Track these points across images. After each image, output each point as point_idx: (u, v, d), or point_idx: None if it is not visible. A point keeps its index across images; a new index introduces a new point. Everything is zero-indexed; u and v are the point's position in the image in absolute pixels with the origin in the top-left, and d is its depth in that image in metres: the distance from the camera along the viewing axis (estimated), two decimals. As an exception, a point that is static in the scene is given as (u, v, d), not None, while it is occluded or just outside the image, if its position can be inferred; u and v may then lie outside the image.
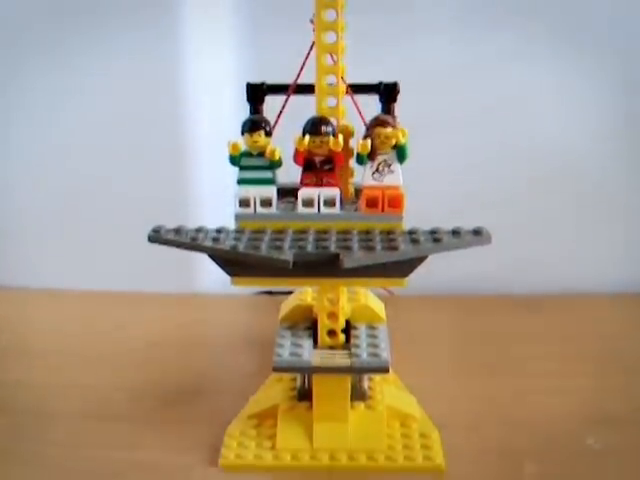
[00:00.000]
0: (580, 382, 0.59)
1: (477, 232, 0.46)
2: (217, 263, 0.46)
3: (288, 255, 0.44)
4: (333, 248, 0.45)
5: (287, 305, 0.56)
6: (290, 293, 0.59)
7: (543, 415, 0.55)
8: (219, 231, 0.47)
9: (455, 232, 0.46)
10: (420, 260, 0.45)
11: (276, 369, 0.49)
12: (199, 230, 0.47)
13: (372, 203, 0.47)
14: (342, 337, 0.51)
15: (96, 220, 0.79)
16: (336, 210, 0.47)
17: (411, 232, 0.47)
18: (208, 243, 0.46)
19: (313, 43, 0.48)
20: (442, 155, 0.72)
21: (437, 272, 0.66)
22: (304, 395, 0.53)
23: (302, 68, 0.50)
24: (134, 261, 0.75)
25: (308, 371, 0.50)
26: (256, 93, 0.52)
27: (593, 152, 0.75)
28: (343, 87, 0.49)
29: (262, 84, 0.51)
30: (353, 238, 0.46)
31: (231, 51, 0.74)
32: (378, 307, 0.55)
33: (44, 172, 0.79)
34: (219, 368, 0.64)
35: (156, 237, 0.47)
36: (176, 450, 0.51)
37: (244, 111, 0.52)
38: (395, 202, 0.47)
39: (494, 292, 0.77)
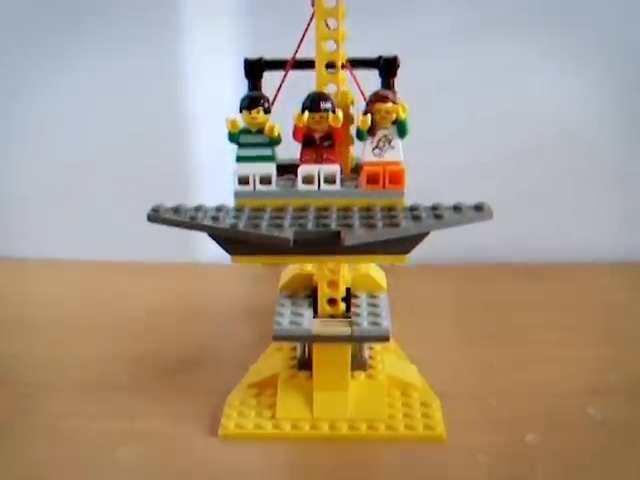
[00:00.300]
0: (581, 351, 0.60)
1: (478, 208, 0.46)
2: (217, 242, 0.46)
3: (288, 233, 0.44)
4: (334, 226, 0.44)
5: (287, 273, 0.56)
6: None
7: (544, 384, 0.55)
8: (219, 209, 0.47)
9: (456, 208, 0.46)
10: (422, 236, 0.45)
11: (276, 338, 0.49)
12: (198, 209, 0.47)
13: (373, 179, 0.46)
14: (342, 306, 0.51)
15: (96, 190, 0.79)
16: (336, 187, 0.47)
17: (412, 208, 0.46)
18: (208, 222, 0.45)
19: (312, 15, 0.48)
20: (440, 126, 0.72)
21: (437, 241, 0.66)
22: (304, 364, 0.53)
23: (301, 42, 0.49)
24: (134, 231, 0.74)
25: (308, 340, 0.50)
26: (254, 69, 0.51)
27: (591, 122, 0.75)
28: (343, 53, 0.48)
29: (260, 59, 0.51)
30: (354, 215, 0.45)
31: (229, 24, 0.74)
32: (379, 276, 0.55)
33: (44, 144, 0.79)
34: (219, 338, 0.65)
35: (155, 216, 0.47)
36: (176, 420, 0.51)
37: (243, 87, 0.52)
38: (396, 178, 0.46)
39: (494, 261, 0.78)
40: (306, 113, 0.46)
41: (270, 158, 0.47)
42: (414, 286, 0.70)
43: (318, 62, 0.48)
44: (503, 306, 0.69)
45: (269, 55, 0.52)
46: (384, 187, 0.46)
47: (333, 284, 0.50)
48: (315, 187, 0.47)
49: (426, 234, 0.45)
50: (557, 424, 0.50)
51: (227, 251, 0.46)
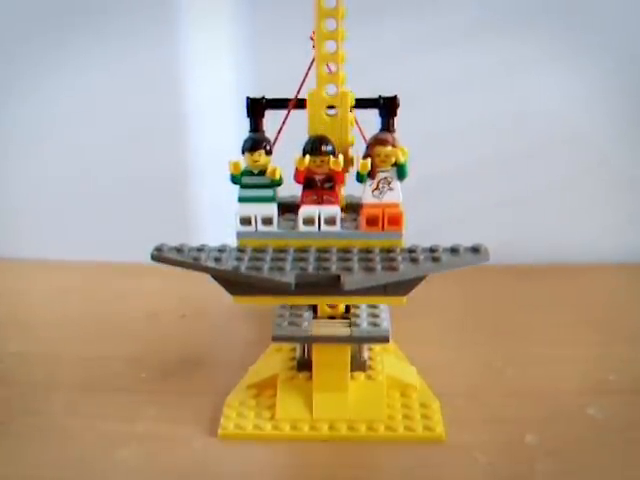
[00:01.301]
0: (582, 351, 0.60)
1: (475, 250, 0.47)
2: (219, 282, 0.47)
3: (290, 277, 0.44)
4: (334, 269, 0.45)
5: None
6: None
7: (544, 384, 0.55)
8: (221, 250, 0.48)
9: (454, 250, 0.47)
10: (419, 279, 0.46)
11: (275, 338, 0.49)
12: (201, 249, 0.48)
13: (372, 221, 0.47)
14: (342, 307, 0.51)
15: (96, 190, 0.80)
16: (336, 228, 0.48)
17: (410, 250, 0.47)
18: (210, 263, 0.46)
19: (313, 60, 0.48)
20: (442, 124, 0.72)
21: (438, 241, 0.67)
22: (303, 365, 0.53)
23: (302, 83, 0.49)
24: (134, 232, 0.75)
25: (307, 340, 0.51)
26: (256, 108, 0.51)
27: (596, 123, 0.75)
28: (343, 53, 0.48)
29: (262, 98, 0.51)
30: (353, 258, 0.46)
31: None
32: None
33: (44, 144, 0.79)
34: (219, 339, 0.65)
35: (158, 256, 0.47)
36: (176, 421, 0.52)
37: (243, 87, 0.52)
38: (395, 220, 0.47)
39: (495, 261, 0.77)
40: (307, 157, 0.46)
41: (271, 199, 0.48)
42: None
43: (318, 62, 0.48)
44: (504, 307, 0.69)
45: (269, 56, 0.52)
46: (383, 229, 0.47)
47: None
48: (315, 228, 0.48)
49: (424, 277, 0.46)
50: (557, 424, 0.50)
51: (229, 291, 0.47)
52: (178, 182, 0.78)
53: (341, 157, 0.47)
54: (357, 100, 0.50)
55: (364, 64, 0.51)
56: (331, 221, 0.47)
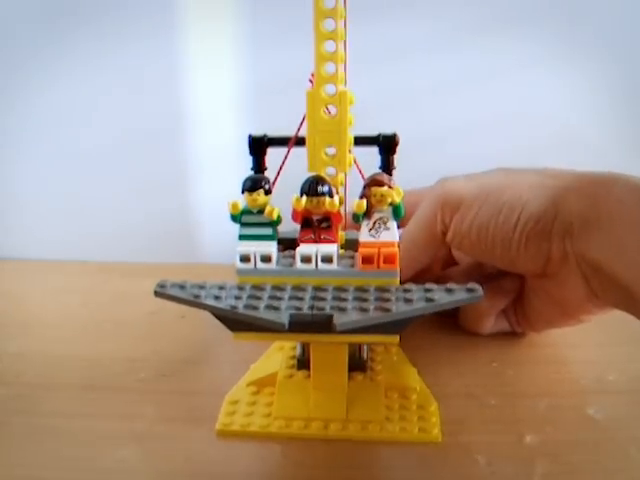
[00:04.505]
0: (582, 351, 0.61)
1: (470, 290, 0.48)
2: (219, 320, 0.48)
3: (284, 318, 0.45)
4: (328, 309, 0.46)
5: None
6: None
7: (544, 384, 0.56)
8: (221, 287, 0.49)
9: (448, 290, 0.48)
10: (413, 319, 0.47)
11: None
12: (202, 286, 0.49)
13: (368, 260, 0.48)
14: None
15: (96, 190, 0.80)
16: (333, 266, 0.49)
17: (405, 290, 0.48)
18: (210, 302, 0.47)
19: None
20: (440, 125, 0.73)
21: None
22: (303, 364, 0.54)
23: (302, 123, 0.50)
24: (134, 232, 0.76)
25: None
26: (258, 145, 0.53)
27: (593, 124, 0.76)
28: (342, 54, 0.49)
29: (264, 137, 0.52)
30: (348, 297, 0.47)
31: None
32: None
33: (44, 145, 0.80)
34: (219, 339, 0.64)
35: (162, 293, 0.49)
36: (175, 421, 0.52)
37: (243, 86, 0.51)
38: (390, 259, 0.48)
39: None
40: (304, 197, 0.47)
41: (271, 237, 0.49)
42: None
43: (317, 63, 0.48)
44: None
45: (270, 57, 0.51)
46: (378, 267, 0.48)
47: None
48: (313, 266, 0.49)
49: (417, 317, 0.47)
50: (557, 424, 0.51)
51: (229, 328, 0.48)
52: (178, 182, 0.78)
53: (337, 198, 0.48)
54: (357, 138, 0.50)
55: (365, 64, 0.52)
56: (328, 259, 0.48)
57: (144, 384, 0.57)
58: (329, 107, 0.49)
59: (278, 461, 0.49)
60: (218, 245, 0.80)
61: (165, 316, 0.69)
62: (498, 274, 0.60)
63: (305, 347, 0.54)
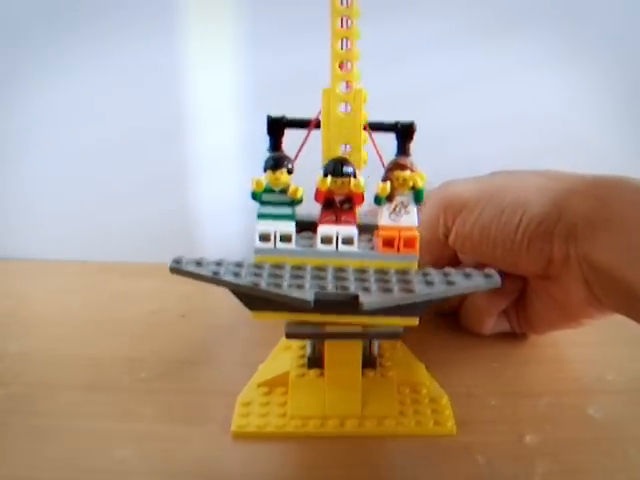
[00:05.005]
0: (582, 351, 0.60)
1: (487, 275, 0.48)
2: (238, 297, 0.47)
3: (309, 295, 0.45)
4: (352, 289, 0.46)
5: None
6: None
7: (544, 384, 0.56)
8: (239, 265, 0.48)
9: (466, 274, 0.48)
10: (434, 301, 0.47)
11: (289, 335, 0.49)
12: (219, 263, 0.49)
13: (388, 243, 0.48)
14: None
15: (96, 190, 0.80)
16: (354, 248, 0.49)
17: (425, 273, 0.48)
18: (229, 278, 0.47)
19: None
20: (441, 126, 0.73)
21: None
22: (314, 362, 0.54)
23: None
24: (134, 232, 0.75)
25: (321, 337, 0.51)
26: (276, 126, 0.52)
27: (595, 125, 0.76)
28: (357, 51, 0.49)
29: (282, 118, 0.52)
30: (370, 278, 0.47)
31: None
32: None
33: (44, 145, 0.79)
34: (219, 339, 0.65)
35: (177, 268, 0.48)
36: (175, 421, 0.51)
37: (243, 85, 0.51)
38: (410, 243, 0.48)
39: None
40: (329, 177, 0.47)
41: (291, 217, 0.49)
42: None
43: (332, 61, 0.48)
44: None
45: (270, 57, 0.51)
46: (398, 250, 0.48)
47: None
48: (333, 247, 0.49)
49: (438, 299, 0.47)
50: (557, 424, 0.50)
51: (248, 307, 0.48)
52: (178, 182, 0.78)
53: (362, 179, 0.48)
54: (373, 124, 0.51)
55: (365, 64, 0.51)
56: (349, 241, 0.48)
57: (144, 384, 0.57)
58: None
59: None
60: (218, 245, 0.79)
61: (165, 316, 0.69)
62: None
63: (316, 345, 0.54)
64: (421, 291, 0.46)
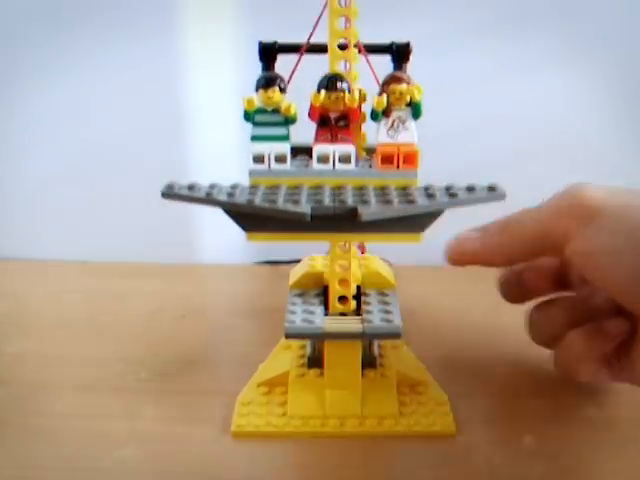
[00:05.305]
0: None
1: (492, 188, 0.47)
2: (232, 218, 0.46)
3: (306, 208, 0.44)
4: (350, 202, 0.45)
5: (297, 272, 0.56)
6: (296, 262, 0.59)
7: (543, 384, 0.55)
8: (233, 187, 0.47)
9: (470, 188, 0.47)
10: (436, 215, 0.46)
11: (288, 335, 0.49)
12: (213, 186, 0.47)
13: (387, 160, 0.47)
14: (353, 303, 0.51)
15: (96, 190, 0.79)
16: (351, 166, 0.47)
17: (426, 188, 0.47)
18: (223, 197, 0.46)
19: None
20: (441, 126, 0.72)
21: (437, 242, 0.67)
22: (314, 362, 0.53)
23: (316, 25, 0.49)
24: (134, 232, 0.75)
25: (320, 337, 0.50)
26: (268, 52, 0.51)
27: (594, 122, 0.75)
28: (355, 52, 0.49)
29: (274, 43, 0.51)
30: (369, 193, 0.46)
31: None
32: (388, 273, 0.56)
33: (44, 145, 0.79)
34: (218, 339, 0.65)
35: (169, 193, 0.47)
36: (175, 421, 0.51)
37: (243, 85, 0.51)
38: (410, 158, 0.47)
39: None
40: (322, 92, 0.46)
41: (285, 137, 0.47)
42: (414, 286, 0.70)
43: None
44: (503, 307, 0.66)
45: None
46: (398, 167, 0.47)
47: (344, 282, 0.51)
48: (330, 166, 0.47)
49: (440, 212, 0.46)
50: (557, 424, 0.50)
51: (242, 227, 0.46)
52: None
53: (356, 93, 0.46)
54: (370, 46, 0.50)
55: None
56: (346, 159, 0.47)
57: (144, 384, 0.56)
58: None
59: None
60: (218, 245, 0.79)
61: (165, 316, 0.68)
62: (606, 311, 0.52)
63: (316, 345, 0.53)
64: (422, 203, 0.45)
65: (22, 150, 0.79)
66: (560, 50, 0.73)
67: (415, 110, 0.46)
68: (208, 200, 0.46)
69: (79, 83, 0.76)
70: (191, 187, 0.47)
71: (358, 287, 0.52)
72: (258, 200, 0.45)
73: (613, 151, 0.76)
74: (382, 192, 0.46)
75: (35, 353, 0.61)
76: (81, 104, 0.77)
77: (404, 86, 0.46)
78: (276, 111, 0.47)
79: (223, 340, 0.64)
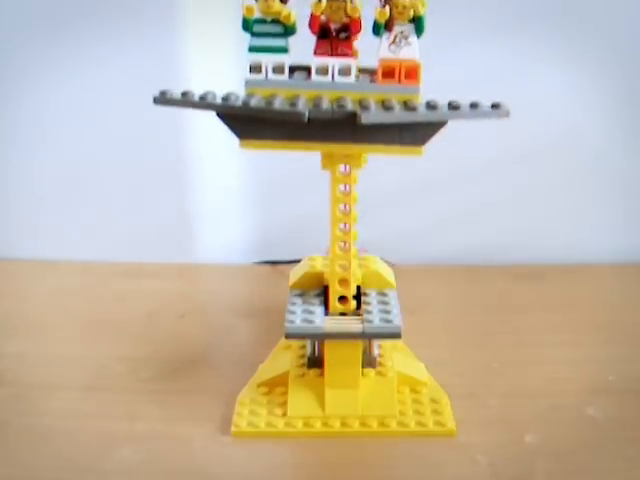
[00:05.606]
0: (581, 352, 0.60)
1: (495, 105, 0.46)
2: (226, 123, 0.45)
3: (303, 109, 0.43)
4: (350, 107, 0.44)
5: (297, 272, 0.56)
6: (296, 262, 0.58)
7: (544, 384, 0.56)
8: (229, 94, 0.46)
9: (473, 104, 0.46)
10: (438, 127, 0.45)
11: (288, 335, 0.49)
12: (207, 92, 0.46)
13: (389, 74, 0.46)
14: (353, 303, 0.51)
15: (96, 191, 0.79)
16: (351, 79, 0.46)
17: (429, 102, 0.46)
18: (218, 101, 0.45)
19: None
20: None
21: (437, 242, 0.67)
22: (314, 362, 0.53)
23: None
24: (133, 232, 0.75)
25: (320, 337, 0.50)
26: None
27: (594, 123, 0.75)
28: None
29: None
30: (370, 102, 0.45)
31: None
32: (388, 273, 0.55)
33: (44, 145, 0.79)
34: (218, 339, 0.64)
35: (162, 99, 0.46)
36: (176, 421, 0.51)
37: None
38: (412, 73, 0.46)
39: (495, 262, 0.77)
40: (324, 1, 0.45)
41: (284, 49, 0.46)
42: (414, 286, 0.69)
43: None
44: (503, 307, 0.69)
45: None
46: (399, 82, 0.46)
47: (344, 282, 0.51)
48: (329, 78, 0.46)
49: (442, 124, 0.45)
50: (557, 424, 0.50)
51: (236, 134, 0.45)
52: (178, 182, 0.78)
53: (358, 2, 0.45)
54: None
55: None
56: (346, 72, 0.46)
57: (144, 384, 0.56)
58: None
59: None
60: (218, 245, 0.79)
61: (165, 316, 0.68)
62: None
63: (316, 345, 0.53)
64: (424, 111, 0.44)
65: (22, 150, 0.79)
66: (560, 50, 0.73)
67: (418, 25, 0.45)
68: (202, 104, 0.45)
69: (79, 85, 0.75)
70: (185, 93, 0.46)
71: (358, 287, 0.52)
72: (254, 102, 0.43)
73: (613, 151, 0.76)
74: (383, 102, 0.45)
75: (35, 353, 0.61)
76: (81, 105, 0.76)
77: None
78: (275, 22, 0.46)
79: (223, 340, 0.64)
